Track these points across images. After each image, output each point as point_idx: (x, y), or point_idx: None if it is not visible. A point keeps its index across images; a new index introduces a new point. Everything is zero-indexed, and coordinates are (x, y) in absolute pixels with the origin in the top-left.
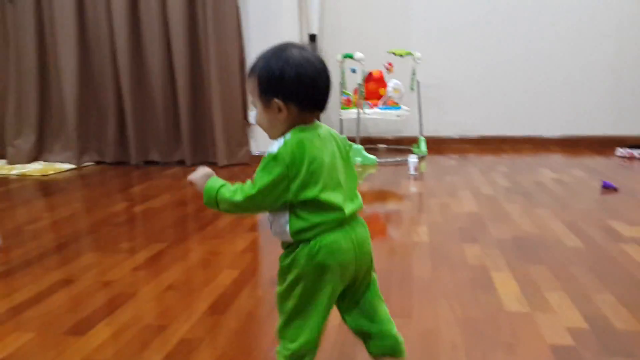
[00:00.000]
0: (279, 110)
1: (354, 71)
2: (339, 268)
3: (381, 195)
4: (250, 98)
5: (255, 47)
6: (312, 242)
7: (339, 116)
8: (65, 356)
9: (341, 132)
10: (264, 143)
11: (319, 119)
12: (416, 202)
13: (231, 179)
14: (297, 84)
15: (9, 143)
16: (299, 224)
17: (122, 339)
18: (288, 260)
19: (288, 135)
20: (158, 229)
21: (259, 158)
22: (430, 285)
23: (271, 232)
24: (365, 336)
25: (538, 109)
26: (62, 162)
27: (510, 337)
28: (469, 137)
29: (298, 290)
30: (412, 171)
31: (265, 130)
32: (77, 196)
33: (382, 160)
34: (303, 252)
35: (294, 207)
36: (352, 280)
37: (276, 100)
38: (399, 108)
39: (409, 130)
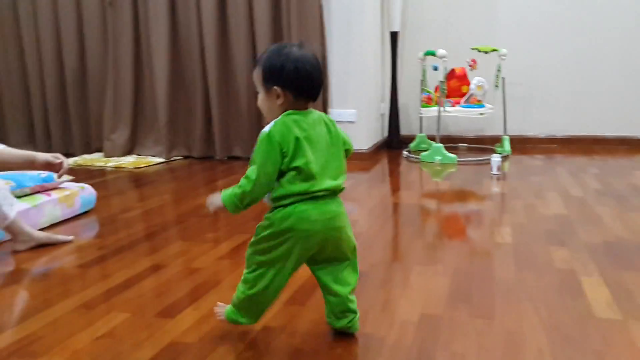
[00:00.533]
0: (277, 96)
1: (435, 68)
2: (305, 234)
3: (461, 195)
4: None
5: (337, 45)
6: (287, 208)
7: (419, 114)
8: (157, 336)
9: (420, 131)
10: None
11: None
12: (499, 203)
13: None
14: (294, 76)
15: (106, 137)
16: (279, 192)
17: (208, 324)
18: (266, 222)
19: (278, 118)
20: (241, 221)
21: None
22: (514, 288)
23: (264, 200)
24: (326, 296)
25: (633, 108)
26: (153, 155)
27: (601, 345)
28: (556, 136)
29: (268, 244)
30: (494, 171)
31: (264, 113)
32: (166, 188)
33: (463, 159)
34: (278, 215)
35: (280, 178)
36: (320, 248)
37: (276, 88)
38: (482, 106)
39: (492, 129)
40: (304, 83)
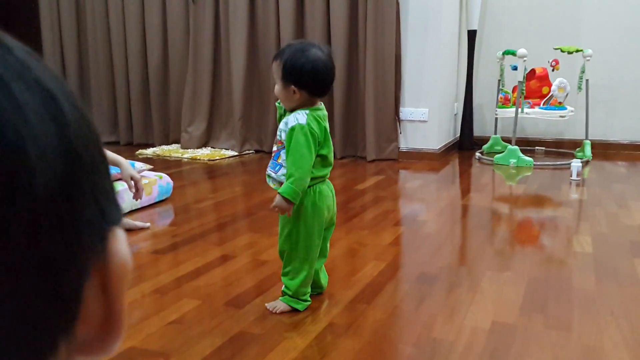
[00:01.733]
0: (294, 92)
1: (514, 68)
2: (326, 209)
3: (538, 200)
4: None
5: (412, 42)
6: (311, 189)
7: (495, 114)
8: (226, 325)
9: (495, 132)
10: (413, 140)
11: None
12: (577, 210)
13: (378, 173)
14: (311, 78)
15: (184, 129)
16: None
17: (274, 316)
18: (305, 201)
19: (307, 111)
20: None
21: (407, 154)
22: (594, 300)
23: (276, 177)
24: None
25: None
26: (226, 149)
27: None
28: None
29: (302, 228)
30: (574, 176)
31: (281, 101)
32: (238, 181)
33: (540, 163)
34: (312, 194)
35: None
36: (329, 221)
37: (292, 86)
38: (563, 108)
39: (572, 132)
40: (318, 84)
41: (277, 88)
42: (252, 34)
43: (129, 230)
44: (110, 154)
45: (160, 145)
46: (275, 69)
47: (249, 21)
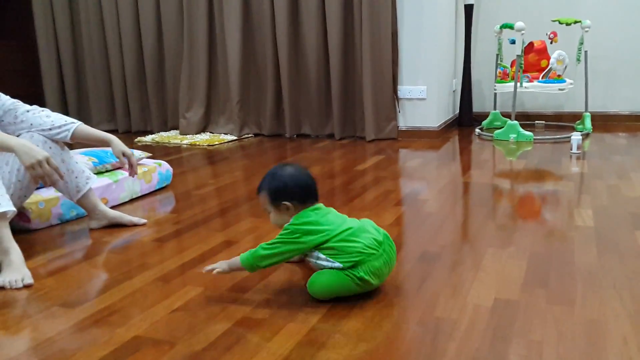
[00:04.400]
0: (287, 208)
1: (512, 42)
2: None
3: (538, 175)
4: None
5: (408, 19)
6: None
7: (494, 90)
8: (229, 311)
9: (494, 107)
10: (412, 118)
11: None
12: (578, 183)
13: (378, 153)
14: (296, 190)
15: (182, 115)
16: None
17: (277, 301)
18: None
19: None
20: None
21: (406, 133)
22: (596, 273)
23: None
24: None
25: None
26: (225, 133)
27: None
28: None
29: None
30: (574, 150)
31: (280, 224)
32: (238, 165)
33: (540, 137)
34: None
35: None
36: None
37: (284, 202)
38: (562, 81)
39: (572, 105)
40: (304, 192)
41: (272, 216)
42: (247, 15)
43: (125, 227)
44: (98, 133)
45: (158, 132)
46: (263, 200)
47: (242, 4)
